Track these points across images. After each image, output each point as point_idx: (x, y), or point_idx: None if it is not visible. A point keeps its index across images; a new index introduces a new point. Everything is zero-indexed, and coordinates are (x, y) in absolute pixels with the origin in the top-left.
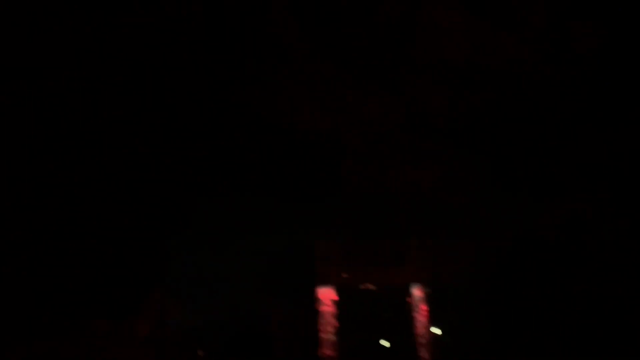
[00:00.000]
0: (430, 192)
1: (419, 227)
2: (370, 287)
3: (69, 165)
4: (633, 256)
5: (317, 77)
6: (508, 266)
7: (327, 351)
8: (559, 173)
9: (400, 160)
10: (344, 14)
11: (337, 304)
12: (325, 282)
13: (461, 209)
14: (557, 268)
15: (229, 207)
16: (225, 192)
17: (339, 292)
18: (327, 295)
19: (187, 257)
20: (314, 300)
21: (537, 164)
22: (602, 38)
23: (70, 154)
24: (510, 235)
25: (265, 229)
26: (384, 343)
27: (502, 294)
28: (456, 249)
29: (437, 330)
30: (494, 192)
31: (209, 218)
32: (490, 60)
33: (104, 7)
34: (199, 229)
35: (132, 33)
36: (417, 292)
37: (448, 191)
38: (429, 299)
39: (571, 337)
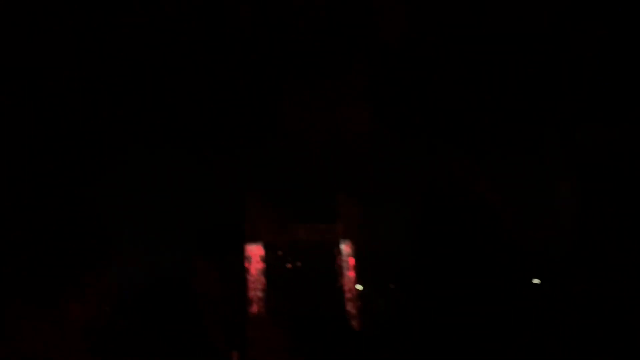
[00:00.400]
0: (362, 147)
1: (349, 182)
2: (297, 264)
3: None
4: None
5: None
6: (438, 225)
7: (256, 309)
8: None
9: (331, 108)
10: None
11: (266, 261)
12: (254, 239)
13: (394, 165)
14: (492, 231)
15: (153, 158)
16: (151, 142)
17: (268, 249)
18: (255, 252)
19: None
20: (242, 258)
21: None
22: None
23: None
24: (444, 194)
25: (191, 183)
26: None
27: (431, 253)
28: (387, 205)
29: (359, 287)
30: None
31: (130, 168)
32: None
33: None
34: (119, 182)
35: None
36: (346, 248)
37: (382, 147)
38: (358, 255)
39: (497, 297)
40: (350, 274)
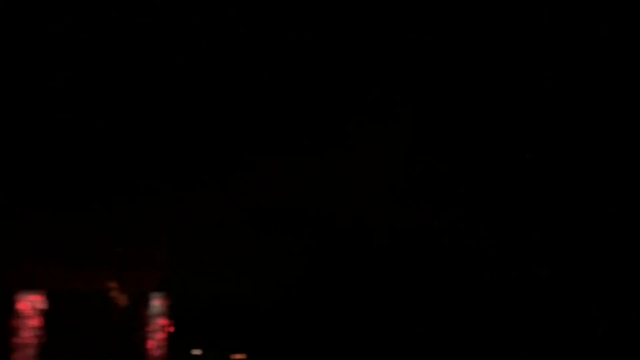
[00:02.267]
0: None
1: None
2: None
3: None
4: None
5: None
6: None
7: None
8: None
9: None
10: None
11: (47, 314)
12: (28, 287)
13: None
14: None
15: None
16: None
17: (50, 299)
18: (30, 303)
19: None
20: (10, 312)
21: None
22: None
23: None
24: None
25: None
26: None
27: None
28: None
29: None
30: None
31: None
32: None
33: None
34: None
35: None
36: (156, 302)
37: None
38: (172, 310)
39: None
40: (159, 335)
